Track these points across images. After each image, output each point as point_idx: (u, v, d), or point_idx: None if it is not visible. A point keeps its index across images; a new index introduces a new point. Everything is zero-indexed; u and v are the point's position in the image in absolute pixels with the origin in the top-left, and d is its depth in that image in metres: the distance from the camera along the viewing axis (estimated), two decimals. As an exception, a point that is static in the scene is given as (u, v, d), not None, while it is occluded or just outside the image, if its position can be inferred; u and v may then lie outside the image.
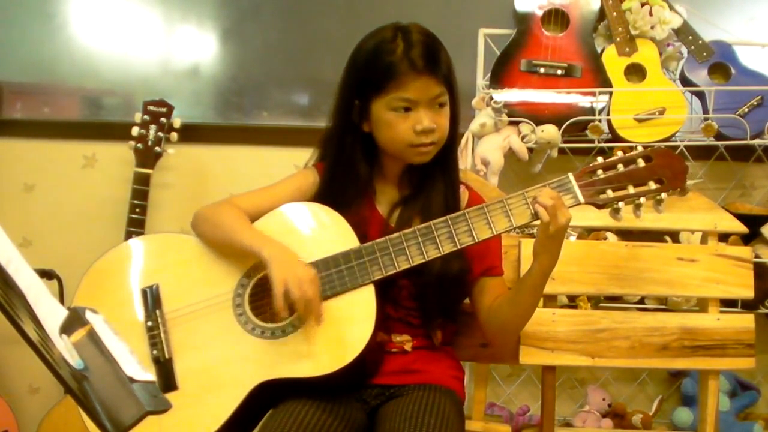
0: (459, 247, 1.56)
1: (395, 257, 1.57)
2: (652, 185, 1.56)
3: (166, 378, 1.58)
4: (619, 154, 1.58)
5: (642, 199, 1.56)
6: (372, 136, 1.66)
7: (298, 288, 1.50)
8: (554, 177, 2.53)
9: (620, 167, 1.57)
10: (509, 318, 1.67)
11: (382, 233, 1.63)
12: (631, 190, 1.56)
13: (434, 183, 1.68)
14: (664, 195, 1.57)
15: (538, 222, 1.55)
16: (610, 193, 1.56)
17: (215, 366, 1.57)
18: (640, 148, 1.59)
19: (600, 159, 1.58)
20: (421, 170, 1.69)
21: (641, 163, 1.57)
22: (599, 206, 1.57)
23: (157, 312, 1.62)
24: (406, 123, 1.60)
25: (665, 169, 1.56)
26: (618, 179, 1.56)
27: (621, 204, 1.56)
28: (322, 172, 1.72)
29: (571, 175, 1.57)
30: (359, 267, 1.57)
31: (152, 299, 1.63)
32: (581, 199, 1.56)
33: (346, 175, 1.67)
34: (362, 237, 1.60)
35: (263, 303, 1.63)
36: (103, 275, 1.67)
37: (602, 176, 1.57)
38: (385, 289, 1.60)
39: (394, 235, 1.58)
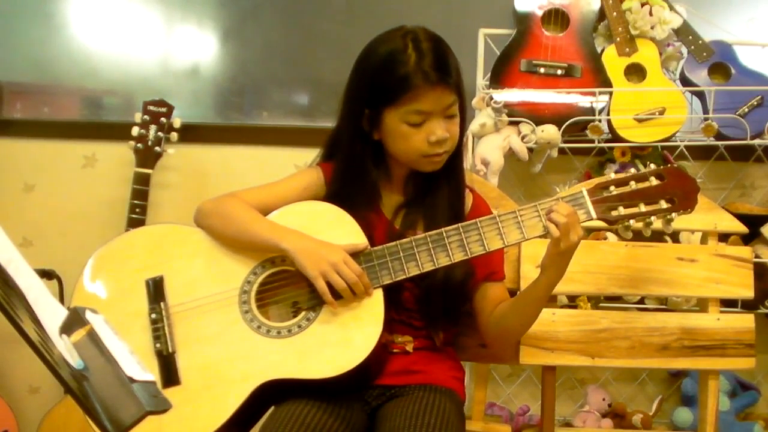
0: (469, 256, 1.57)
1: (405, 263, 1.57)
2: (664, 204, 1.57)
3: (169, 372, 1.58)
4: (632, 170, 1.58)
5: (653, 218, 1.56)
6: (381, 143, 1.66)
7: (336, 276, 1.52)
8: (554, 177, 2.58)
9: (632, 184, 1.57)
10: (511, 326, 1.67)
11: (387, 235, 1.63)
12: (643, 208, 1.57)
13: (439, 187, 1.68)
14: (674, 215, 1.57)
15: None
16: (621, 210, 1.56)
17: (219, 363, 1.57)
18: (652, 166, 1.59)
19: (613, 175, 1.59)
20: (427, 174, 1.68)
21: (654, 181, 1.57)
22: (610, 222, 1.58)
23: (162, 305, 1.61)
24: (420, 134, 1.59)
25: (677, 188, 1.57)
26: (630, 196, 1.57)
27: (632, 221, 1.57)
28: (328, 174, 1.71)
29: (584, 190, 1.57)
30: (369, 270, 1.57)
31: (156, 291, 1.62)
32: (594, 214, 1.56)
33: (355, 180, 1.67)
34: (369, 239, 1.60)
35: (269, 301, 1.63)
36: (107, 263, 1.66)
37: (615, 192, 1.57)
38: (389, 292, 1.60)
39: (405, 240, 1.58)
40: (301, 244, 1.56)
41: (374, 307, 1.56)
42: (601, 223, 1.60)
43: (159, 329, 1.60)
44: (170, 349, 1.59)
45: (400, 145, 1.62)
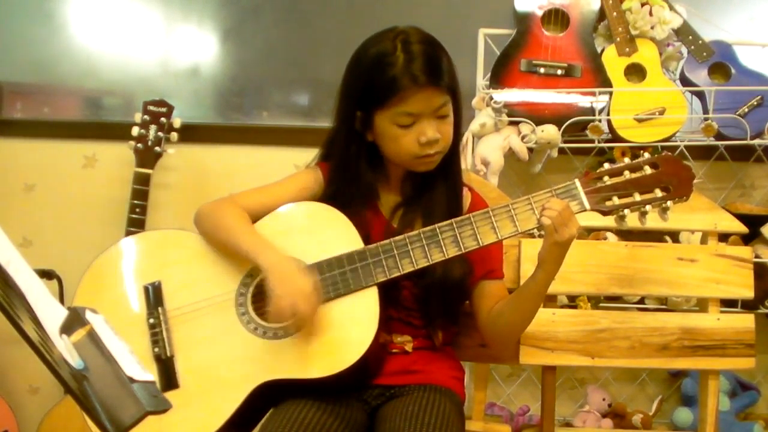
0: (463, 251, 1.56)
1: (399, 260, 1.57)
2: (659, 193, 1.56)
3: (168, 376, 1.58)
4: (626, 160, 1.58)
5: (648, 207, 1.56)
6: (375, 144, 1.66)
7: (291, 307, 1.49)
8: (554, 177, 2.59)
9: (627, 174, 1.56)
10: (510, 323, 1.67)
11: (384, 235, 1.63)
12: (637, 197, 1.56)
13: (437, 186, 1.68)
14: (669, 203, 1.56)
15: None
16: (616, 200, 1.56)
17: (217, 365, 1.57)
18: (646, 155, 1.59)
19: (606, 165, 1.58)
20: (424, 173, 1.68)
21: (648, 170, 1.57)
22: (605, 213, 1.57)
23: (160, 309, 1.61)
24: (410, 135, 1.59)
25: (672, 177, 1.56)
26: (624, 186, 1.56)
27: (627, 211, 1.56)
28: (326, 174, 1.71)
29: (577, 181, 1.57)
30: (363, 269, 1.57)
31: (154, 296, 1.62)
32: (587, 205, 1.56)
33: (351, 181, 1.67)
34: (365, 238, 1.60)
35: (266, 303, 1.62)
36: (106, 271, 1.66)
37: (608, 183, 1.56)
38: (387, 290, 1.60)
39: (399, 237, 1.58)
40: (277, 266, 1.53)
41: (370, 305, 1.56)
42: (600, 221, 1.59)
43: (157, 334, 1.60)
44: (168, 353, 1.59)
45: (392, 146, 1.62)
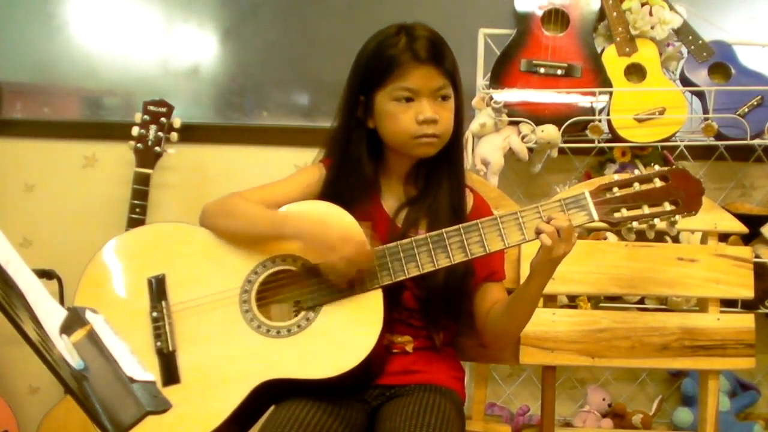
0: (470, 257, 1.56)
1: (405, 263, 1.57)
2: (667, 206, 1.55)
3: (169, 370, 1.58)
4: (636, 172, 1.57)
5: (656, 220, 1.55)
6: (377, 133, 1.66)
7: (342, 263, 1.52)
8: (554, 177, 2.59)
9: (636, 186, 1.55)
10: (506, 328, 1.67)
11: (388, 232, 1.63)
12: (646, 210, 1.55)
13: (440, 183, 1.68)
14: (678, 217, 1.55)
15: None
16: (624, 212, 1.55)
17: (219, 362, 1.57)
18: (656, 168, 1.58)
19: (616, 176, 1.57)
20: (427, 169, 1.68)
21: (658, 182, 1.55)
22: (613, 224, 1.56)
23: (163, 303, 1.61)
24: (408, 113, 1.60)
25: (681, 190, 1.55)
26: (633, 198, 1.55)
27: (635, 223, 1.55)
28: (328, 169, 1.71)
29: (586, 192, 1.56)
30: (368, 271, 1.57)
31: (158, 290, 1.62)
32: (596, 216, 1.55)
33: (351, 172, 1.67)
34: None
35: (270, 301, 1.63)
36: (111, 261, 1.66)
37: (618, 194, 1.55)
38: (389, 291, 1.60)
39: (405, 240, 1.58)
40: (305, 230, 1.57)
41: (374, 307, 1.56)
42: (600, 222, 1.59)
43: (160, 327, 1.60)
44: (171, 348, 1.59)
45: (390, 126, 1.63)
